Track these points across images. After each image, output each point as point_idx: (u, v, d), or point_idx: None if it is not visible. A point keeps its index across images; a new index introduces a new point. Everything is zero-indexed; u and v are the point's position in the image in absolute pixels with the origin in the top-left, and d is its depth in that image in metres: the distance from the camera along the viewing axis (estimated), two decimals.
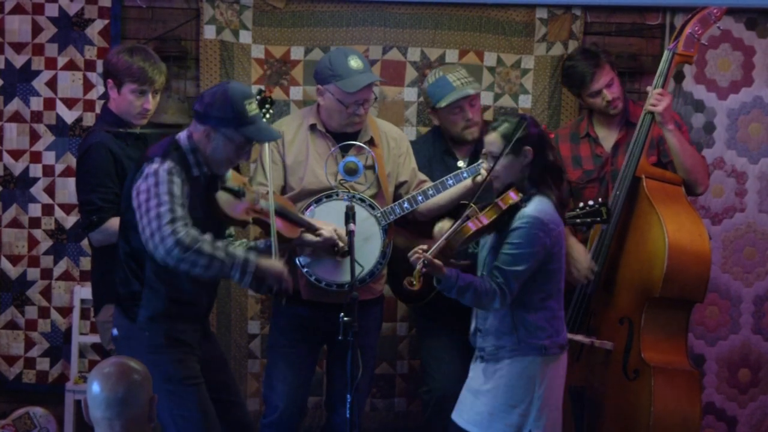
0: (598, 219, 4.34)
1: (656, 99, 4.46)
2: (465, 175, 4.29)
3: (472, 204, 3.83)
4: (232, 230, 4.08)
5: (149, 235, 3.60)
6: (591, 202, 4.34)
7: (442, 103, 4.49)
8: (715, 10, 4.50)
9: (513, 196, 3.76)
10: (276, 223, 3.93)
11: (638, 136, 4.48)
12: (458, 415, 3.91)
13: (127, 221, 3.76)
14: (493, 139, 3.83)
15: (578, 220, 4.33)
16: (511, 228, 3.73)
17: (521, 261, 3.69)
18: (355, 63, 4.27)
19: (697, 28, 4.48)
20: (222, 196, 3.84)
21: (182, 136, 3.80)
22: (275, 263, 3.80)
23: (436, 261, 3.66)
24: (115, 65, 4.16)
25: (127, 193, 3.74)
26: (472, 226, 3.72)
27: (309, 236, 4.08)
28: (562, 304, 3.87)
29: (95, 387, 2.94)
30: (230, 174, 3.92)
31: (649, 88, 4.52)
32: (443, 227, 3.90)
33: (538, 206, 3.74)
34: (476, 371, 3.89)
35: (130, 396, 2.94)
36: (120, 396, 2.92)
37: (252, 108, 3.76)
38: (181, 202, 3.63)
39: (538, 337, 3.76)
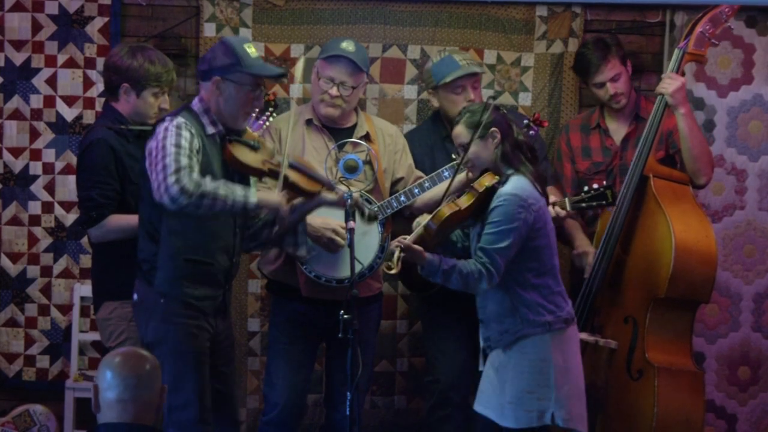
0: (604, 202, 4.32)
1: (667, 81, 4.46)
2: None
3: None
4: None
5: (156, 187, 3.68)
6: (596, 186, 4.33)
7: (447, 79, 4.47)
8: (726, 9, 4.49)
9: (488, 180, 3.80)
10: (294, 176, 3.93)
11: (651, 125, 4.47)
12: (481, 405, 3.93)
13: (143, 183, 3.85)
14: (459, 132, 3.88)
15: (584, 204, 4.32)
16: (491, 208, 3.76)
17: (503, 238, 3.71)
18: (347, 44, 4.35)
19: (708, 27, 4.48)
20: (236, 147, 3.89)
21: (194, 102, 3.92)
22: (273, 195, 3.87)
23: (415, 246, 3.70)
24: (136, 71, 4.16)
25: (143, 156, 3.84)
26: (447, 210, 3.76)
27: (327, 194, 4.04)
28: (559, 280, 3.89)
29: (112, 368, 2.94)
30: (246, 131, 3.98)
31: (663, 76, 4.51)
32: (421, 221, 3.92)
33: (515, 184, 3.78)
34: (489, 360, 3.90)
35: (147, 378, 2.95)
36: (138, 375, 2.93)
37: (252, 51, 3.87)
38: (188, 153, 3.71)
39: (541, 314, 3.79)
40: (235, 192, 3.74)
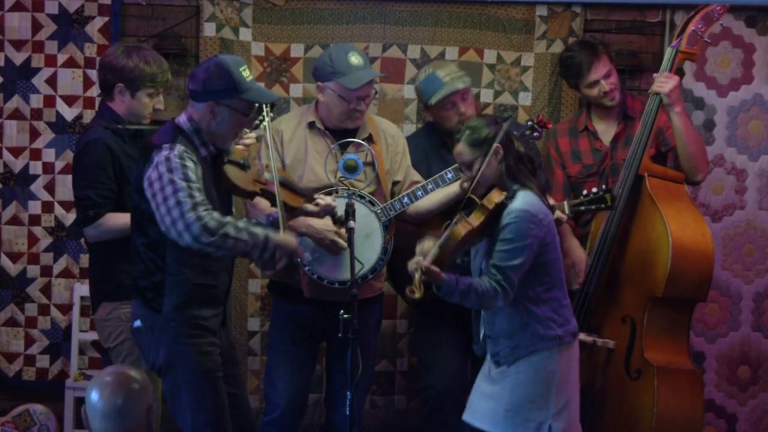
0: (603, 206, 4.29)
1: (662, 81, 4.47)
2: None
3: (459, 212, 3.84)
4: (233, 210, 4.09)
5: (170, 223, 3.60)
6: (595, 190, 4.31)
7: (433, 100, 4.46)
8: (717, 7, 4.50)
9: (496, 196, 3.76)
10: (282, 195, 3.93)
11: (645, 124, 4.48)
12: (471, 416, 3.90)
13: (142, 212, 3.74)
14: (460, 150, 3.85)
15: (582, 208, 4.30)
16: (502, 225, 3.73)
17: (517, 255, 3.69)
18: (355, 59, 4.28)
19: (700, 26, 4.49)
20: (229, 169, 3.85)
21: (181, 119, 3.80)
22: (289, 238, 3.80)
23: (434, 268, 3.64)
24: (131, 71, 4.14)
25: (137, 184, 3.73)
26: (462, 230, 3.72)
27: (308, 206, 4.04)
28: (566, 293, 3.88)
29: (93, 397, 2.99)
30: (233, 148, 3.93)
31: (655, 75, 4.52)
32: (424, 247, 3.89)
33: (524, 200, 3.75)
34: (489, 373, 3.88)
35: (127, 408, 2.97)
36: (117, 407, 2.96)
37: (247, 74, 3.77)
38: (197, 186, 3.64)
39: (551, 328, 3.77)
40: (257, 234, 3.67)
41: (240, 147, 4.00)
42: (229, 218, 3.66)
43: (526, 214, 3.71)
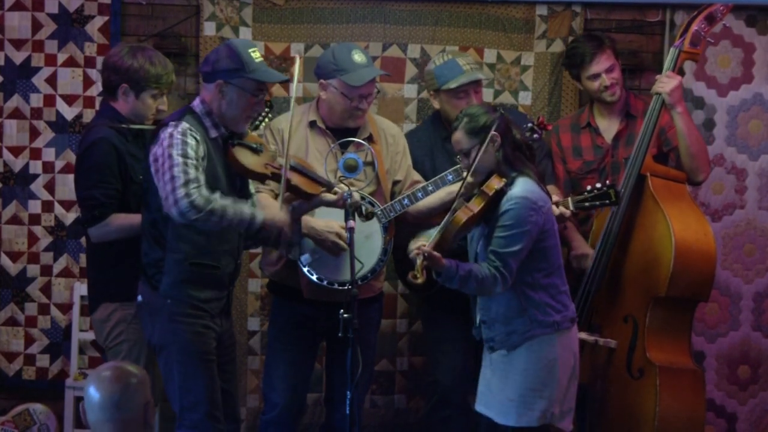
0: (607, 201, 4.27)
1: (664, 81, 4.46)
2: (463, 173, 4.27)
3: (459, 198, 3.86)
4: (250, 192, 4.11)
5: (165, 197, 3.67)
6: (599, 185, 4.29)
7: (451, 84, 4.44)
8: (721, 7, 4.50)
9: (496, 182, 3.78)
10: (296, 179, 3.95)
11: (648, 124, 4.47)
12: (482, 406, 3.93)
13: (146, 190, 3.83)
14: (458, 138, 3.87)
15: (587, 204, 4.28)
16: (501, 211, 3.75)
17: (516, 241, 3.71)
18: (359, 57, 4.28)
19: (703, 26, 4.48)
20: (239, 151, 3.89)
21: (195, 102, 3.90)
22: (279, 214, 3.84)
23: (435, 253, 3.68)
24: (136, 72, 4.13)
25: (146, 160, 3.81)
26: (462, 216, 3.75)
27: (327, 195, 4.04)
28: (565, 279, 3.89)
29: (91, 390, 3.00)
30: (247, 133, 3.97)
31: (657, 77, 4.52)
32: (413, 248, 3.89)
33: (523, 186, 3.77)
34: (490, 361, 3.90)
35: (125, 400, 2.98)
36: (115, 399, 2.97)
37: (257, 56, 3.86)
38: (195, 164, 3.70)
39: (549, 314, 3.79)
40: (243, 211, 3.74)
41: (254, 133, 4.02)
42: (216, 195, 3.71)
43: (526, 201, 3.73)
